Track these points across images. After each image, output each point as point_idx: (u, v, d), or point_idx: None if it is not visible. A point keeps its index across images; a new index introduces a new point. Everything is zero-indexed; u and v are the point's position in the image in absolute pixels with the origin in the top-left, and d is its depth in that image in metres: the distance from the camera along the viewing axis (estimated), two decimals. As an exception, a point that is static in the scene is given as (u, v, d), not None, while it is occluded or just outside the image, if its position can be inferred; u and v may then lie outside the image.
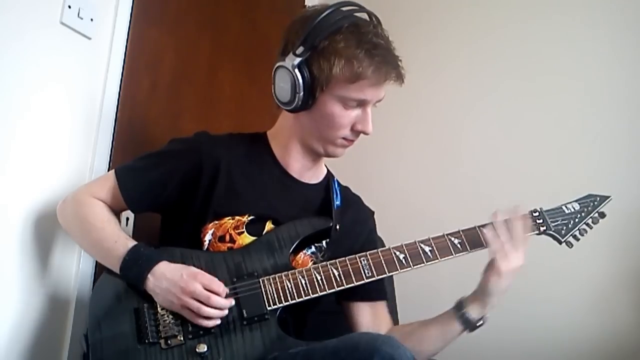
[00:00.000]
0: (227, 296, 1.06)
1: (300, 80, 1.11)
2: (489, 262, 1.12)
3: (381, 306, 1.29)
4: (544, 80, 1.84)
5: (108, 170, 1.42)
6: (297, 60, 1.11)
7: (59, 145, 1.33)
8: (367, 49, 1.10)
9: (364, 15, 1.17)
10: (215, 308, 1.04)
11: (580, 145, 1.74)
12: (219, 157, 1.20)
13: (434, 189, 1.97)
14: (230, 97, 1.86)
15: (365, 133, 1.17)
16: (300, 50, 1.11)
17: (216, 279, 1.07)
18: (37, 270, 1.26)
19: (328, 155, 1.24)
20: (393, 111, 2.10)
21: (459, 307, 1.15)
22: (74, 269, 1.34)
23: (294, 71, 1.11)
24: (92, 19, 1.39)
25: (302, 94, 1.12)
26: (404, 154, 2.08)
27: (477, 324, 1.14)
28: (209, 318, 1.04)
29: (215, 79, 1.84)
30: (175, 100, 1.71)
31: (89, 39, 1.40)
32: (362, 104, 1.15)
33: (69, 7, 1.33)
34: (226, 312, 1.06)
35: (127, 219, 1.47)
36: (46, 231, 1.25)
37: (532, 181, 1.75)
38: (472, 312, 1.13)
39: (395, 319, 1.41)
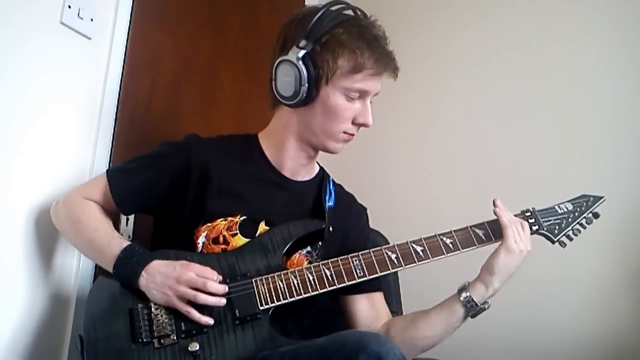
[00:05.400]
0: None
1: (305, 73, 1.12)
2: (501, 243, 1.13)
3: (379, 297, 1.28)
4: (544, 78, 1.84)
5: (108, 171, 1.43)
6: (301, 52, 1.12)
7: (59, 145, 1.33)
8: (368, 40, 1.14)
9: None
10: (211, 294, 1.05)
11: (580, 144, 1.74)
12: (208, 159, 1.20)
13: (433, 188, 1.97)
14: (230, 97, 1.86)
15: (366, 125, 1.19)
16: (303, 43, 1.12)
17: (209, 267, 1.07)
18: (39, 269, 1.26)
19: (327, 151, 1.23)
20: (391, 109, 2.11)
21: (462, 290, 1.15)
22: (74, 268, 1.34)
23: (299, 64, 1.12)
24: (92, 19, 1.39)
25: (306, 86, 1.13)
26: (403, 152, 2.08)
27: (480, 306, 1.13)
28: (203, 314, 1.05)
29: (215, 79, 1.84)
30: (176, 100, 1.71)
31: (89, 39, 1.40)
32: (362, 95, 1.17)
33: (69, 7, 1.33)
34: (224, 301, 1.06)
35: (127, 219, 1.47)
36: (47, 231, 1.25)
37: (530, 180, 1.75)
38: (475, 294, 1.13)
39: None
